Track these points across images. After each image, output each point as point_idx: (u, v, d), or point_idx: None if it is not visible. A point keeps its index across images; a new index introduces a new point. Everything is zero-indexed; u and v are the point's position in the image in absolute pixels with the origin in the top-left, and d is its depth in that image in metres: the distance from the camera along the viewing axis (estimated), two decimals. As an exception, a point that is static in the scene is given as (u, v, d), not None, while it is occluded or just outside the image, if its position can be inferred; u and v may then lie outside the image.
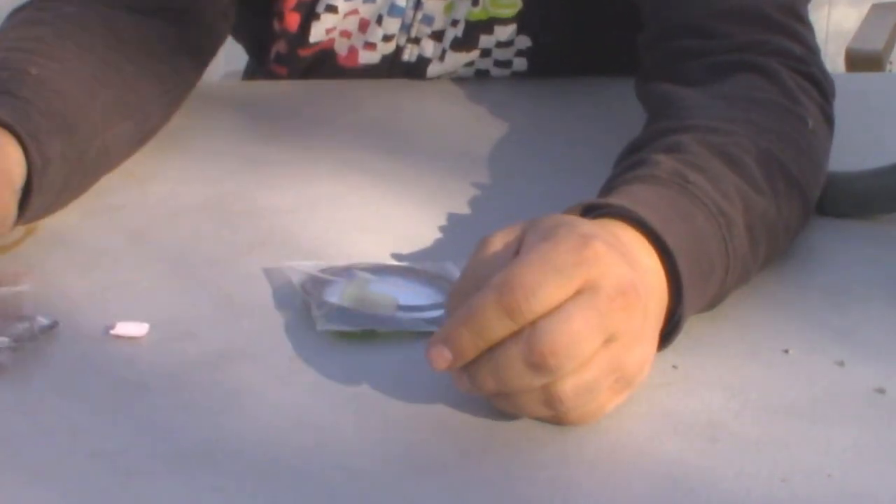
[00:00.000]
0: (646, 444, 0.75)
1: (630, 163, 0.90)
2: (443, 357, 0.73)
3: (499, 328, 0.72)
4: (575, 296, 0.73)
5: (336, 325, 0.85)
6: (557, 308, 0.72)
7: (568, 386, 0.73)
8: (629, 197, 0.83)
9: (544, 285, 0.72)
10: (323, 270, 0.91)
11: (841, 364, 0.83)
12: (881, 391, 0.81)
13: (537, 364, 0.72)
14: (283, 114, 1.22)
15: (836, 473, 0.73)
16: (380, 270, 0.92)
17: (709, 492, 0.72)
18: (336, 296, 0.88)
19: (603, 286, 0.73)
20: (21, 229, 0.98)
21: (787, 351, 0.85)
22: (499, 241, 0.77)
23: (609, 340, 0.73)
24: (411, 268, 0.93)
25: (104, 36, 1.09)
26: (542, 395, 0.73)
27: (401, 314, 0.87)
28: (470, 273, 0.77)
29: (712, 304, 0.86)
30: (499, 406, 0.76)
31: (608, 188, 0.88)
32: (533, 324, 0.72)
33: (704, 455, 0.75)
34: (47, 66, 1.02)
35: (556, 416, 0.75)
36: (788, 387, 0.81)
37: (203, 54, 1.19)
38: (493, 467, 0.73)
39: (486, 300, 0.72)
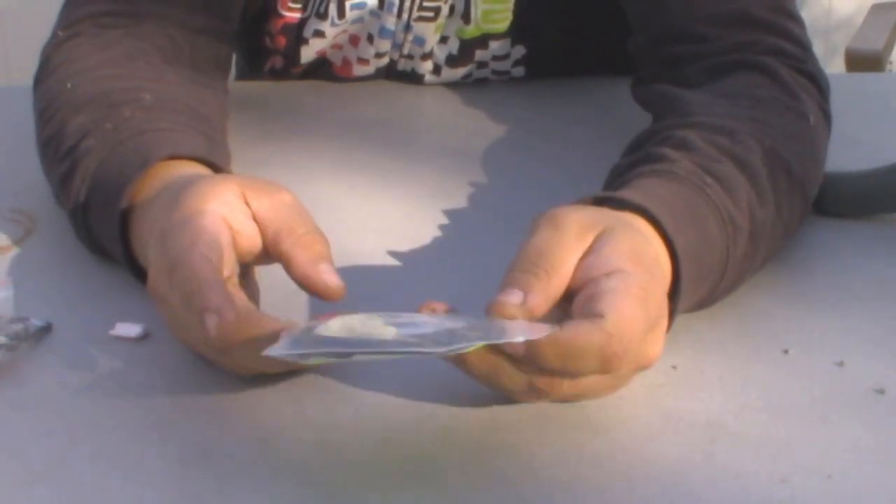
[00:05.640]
0: (646, 445, 0.75)
1: (641, 156, 0.90)
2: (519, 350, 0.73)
3: (589, 370, 0.74)
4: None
5: (290, 350, 0.71)
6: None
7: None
8: (645, 192, 0.83)
9: (639, 343, 0.75)
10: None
11: (841, 364, 0.83)
12: (881, 391, 0.80)
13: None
14: (281, 114, 1.22)
15: (836, 473, 0.73)
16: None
17: (709, 492, 0.72)
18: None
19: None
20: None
21: (787, 351, 0.85)
22: (573, 230, 0.77)
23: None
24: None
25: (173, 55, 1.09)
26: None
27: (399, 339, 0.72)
28: (535, 253, 0.77)
29: (698, 307, 0.86)
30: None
31: (621, 180, 0.88)
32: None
33: (704, 455, 0.75)
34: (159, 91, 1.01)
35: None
36: (788, 387, 0.81)
37: (227, 69, 1.19)
38: (493, 467, 0.73)
39: (591, 341, 0.73)
